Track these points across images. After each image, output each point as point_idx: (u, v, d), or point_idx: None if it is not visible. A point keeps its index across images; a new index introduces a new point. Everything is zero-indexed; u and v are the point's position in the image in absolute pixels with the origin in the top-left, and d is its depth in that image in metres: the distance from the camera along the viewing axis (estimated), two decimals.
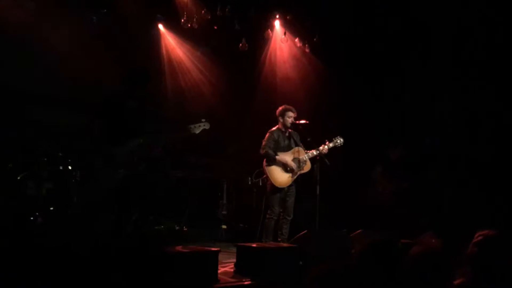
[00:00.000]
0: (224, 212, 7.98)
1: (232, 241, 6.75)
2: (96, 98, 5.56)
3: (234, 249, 5.05)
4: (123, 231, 5.03)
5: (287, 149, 6.35)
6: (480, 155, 6.54)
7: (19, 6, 6.64)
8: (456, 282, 2.45)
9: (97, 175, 5.15)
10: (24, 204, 5.98)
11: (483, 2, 6.52)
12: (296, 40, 8.47)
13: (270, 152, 6.22)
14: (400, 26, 7.32)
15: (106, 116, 5.08)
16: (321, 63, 8.52)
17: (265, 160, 6.29)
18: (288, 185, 6.24)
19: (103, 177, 5.04)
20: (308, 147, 6.38)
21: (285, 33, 8.39)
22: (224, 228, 7.86)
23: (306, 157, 6.31)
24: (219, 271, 4.46)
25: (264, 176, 6.42)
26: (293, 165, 6.22)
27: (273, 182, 6.20)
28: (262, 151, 6.26)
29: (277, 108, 6.44)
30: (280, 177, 6.21)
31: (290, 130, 6.39)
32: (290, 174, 6.24)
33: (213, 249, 4.48)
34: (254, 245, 5.16)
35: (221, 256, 4.59)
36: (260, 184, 7.43)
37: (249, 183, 7.98)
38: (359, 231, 5.44)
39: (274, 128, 6.41)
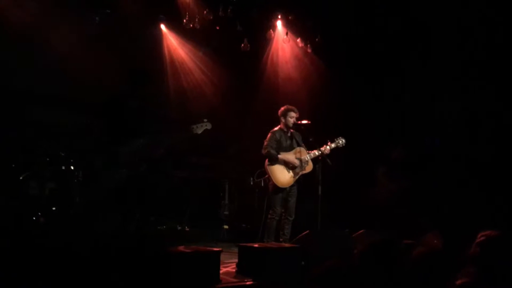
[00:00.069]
0: (226, 212, 7.99)
1: (234, 241, 6.76)
2: (98, 98, 5.57)
3: (236, 249, 5.05)
4: (125, 231, 5.03)
5: (289, 149, 6.35)
6: (480, 155, 6.53)
7: (19, 6, 6.63)
8: (459, 282, 2.45)
9: (99, 175, 5.15)
10: (27, 204, 5.99)
11: (483, 2, 6.51)
12: (298, 40, 8.48)
13: (272, 151, 6.22)
14: (400, 26, 7.32)
15: (106, 116, 5.09)
16: (323, 63, 8.52)
17: (267, 160, 6.29)
18: (290, 185, 6.25)
19: (105, 177, 5.04)
20: (310, 147, 6.38)
21: (287, 33, 8.40)
22: (226, 228, 7.86)
23: (308, 157, 6.31)
24: (221, 271, 4.46)
25: (266, 176, 6.42)
26: (295, 161, 6.22)
27: (275, 182, 6.20)
28: (264, 151, 6.27)
29: (279, 108, 6.44)
30: (282, 177, 6.21)
31: (292, 130, 6.40)
32: (292, 174, 6.24)
33: (215, 249, 4.48)
34: (256, 245, 5.17)
35: (223, 256, 4.59)
36: (262, 184, 7.44)
37: (251, 183, 7.99)
38: (361, 231, 5.44)
39: (276, 128, 6.42)
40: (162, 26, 8.63)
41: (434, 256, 2.63)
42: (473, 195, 6.41)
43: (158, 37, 8.69)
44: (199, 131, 5.21)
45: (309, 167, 6.34)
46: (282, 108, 6.40)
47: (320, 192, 6.16)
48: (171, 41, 8.79)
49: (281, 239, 6.19)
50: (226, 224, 7.91)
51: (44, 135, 6.63)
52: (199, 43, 8.82)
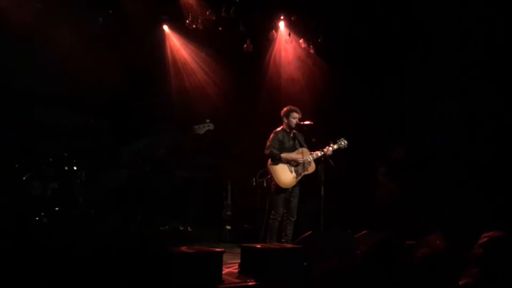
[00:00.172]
0: (229, 213, 7.99)
1: (236, 242, 6.76)
2: (100, 98, 5.58)
3: (239, 250, 5.05)
4: (128, 231, 5.03)
5: (291, 149, 6.35)
6: (480, 155, 6.52)
7: (20, 5, 6.64)
8: (461, 282, 2.45)
9: (101, 176, 5.16)
10: (30, 204, 6.00)
11: (483, 2, 6.50)
12: (301, 41, 8.48)
13: (275, 151, 6.22)
14: (400, 26, 7.31)
15: (109, 116, 5.10)
16: (326, 64, 8.51)
17: (269, 160, 6.29)
18: (292, 185, 6.24)
19: (107, 177, 5.05)
20: (312, 148, 6.38)
21: (289, 34, 8.39)
22: (228, 229, 7.86)
23: (311, 158, 6.31)
24: (223, 272, 4.46)
25: (269, 176, 6.42)
26: (298, 157, 6.22)
27: (277, 182, 6.20)
28: (266, 151, 6.27)
29: (281, 109, 6.44)
30: (284, 177, 6.21)
31: (294, 131, 6.40)
32: (294, 175, 6.24)
33: (218, 249, 4.48)
34: (258, 246, 5.17)
35: (225, 257, 4.59)
36: (265, 184, 7.44)
37: (254, 183, 7.99)
38: (364, 232, 5.44)
39: (278, 129, 6.42)
40: (165, 27, 8.64)
41: (436, 257, 2.63)
42: (474, 195, 6.40)
43: (161, 38, 8.69)
44: (202, 132, 5.22)
45: (311, 168, 6.34)
46: (285, 109, 6.40)
47: (322, 193, 6.17)
48: (174, 41, 8.80)
49: (283, 240, 6.19)
50: (228, 225, 7.91)
51: (47, 135, 6.65)
52: (201, 44, 8.82)
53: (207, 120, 5.26)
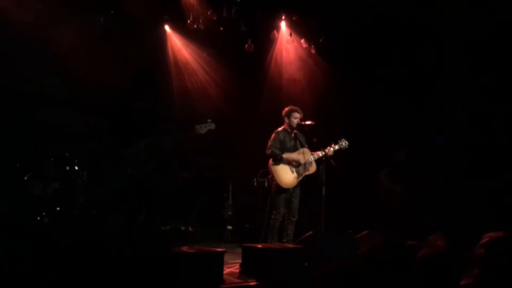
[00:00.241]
0: (230, 213, 7.98)
1: (237, 242, 6.76)
2: (102, 98, 5.59)
3: (240, 250, 5.06)
4: (129, 231, 5.03)
5: (293, 149, 6.35)
6: (484, 156, 6.52)
7: (20, 5, 6.65)
8: (463, 282, 2.44)
9: (104, 176, 5.16)
10: (31, 204, 6.00)
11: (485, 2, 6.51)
12: (302, 41, 8.47)
13: (276, 151, 6.22)
14: (401, 25, 7.31)
15: (111, 116, 5.10)
16: (327, 64, 8.51)
17: (271, 160, 6.29)
18: (293, 186, 6.24)
19: (109, 177, 5.05)
20: (313, 148, 6.38)
21: (291, 34, 8.39)
22: (229, 229, 7.86)
23: (312, 158, 6.31)
24: (224, 272, 4.47)
25: (270, 176, 6.42)
26: (300, 158, 6.22)
27: (278, 182, 6.19)
28: (268, 151, 6.27)
29: (283, 109, 6.44)
30: (285, 177, 6.21)
31: (295, 131, 6.40)
32: (295, 175, 6.23)
33: (219, 249, 4.49)
34: (259, 246, 5.18)
35: (226, 257, 4.60)
36: (266, 184, 7.43)
37: (255, 183, 7.99)
38: (365, 232, 5.44)
39: (280, 129, 6.42)
40: (166, 27, 8.64)
41: (438, 257, 2.62)
42: (477, 195, 6.39)
43: (162, 38, 8.70)
44: (203, 131, 5.21)
45: (312, 168, 6.34)
46: (286, 109, 6.40)
47: (323, 193, 6.16)
48: (175, 41, 8.81)
49: (284, 240, 6.19)
50: (229, 225, 7.91)
51: (49, 135, 6.65)
52: (203, 44, 8.82)
53: (209, 120, 5.26)
